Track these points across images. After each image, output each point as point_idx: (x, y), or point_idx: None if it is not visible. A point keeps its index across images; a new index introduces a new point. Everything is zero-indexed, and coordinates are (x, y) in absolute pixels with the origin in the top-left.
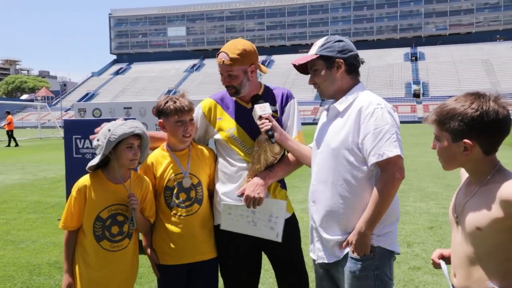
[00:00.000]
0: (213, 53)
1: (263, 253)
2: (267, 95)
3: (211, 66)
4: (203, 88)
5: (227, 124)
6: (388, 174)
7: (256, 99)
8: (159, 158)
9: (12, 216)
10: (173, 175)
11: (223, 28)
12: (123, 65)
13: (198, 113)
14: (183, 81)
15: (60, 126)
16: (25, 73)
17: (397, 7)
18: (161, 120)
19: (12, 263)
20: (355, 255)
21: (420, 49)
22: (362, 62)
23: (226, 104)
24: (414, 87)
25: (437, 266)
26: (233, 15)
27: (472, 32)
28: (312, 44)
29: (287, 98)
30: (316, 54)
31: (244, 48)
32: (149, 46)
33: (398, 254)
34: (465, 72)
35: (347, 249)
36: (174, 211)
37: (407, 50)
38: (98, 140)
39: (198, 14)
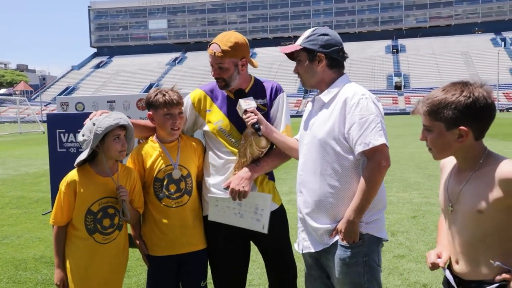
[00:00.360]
0: (195, 46)
1: (252, 243)
2: (256, 88)
3: (193, 59)
4: (186, 81)
5: (216, 116)
6: (374, 162)
7: (240, 94)
8: (149, 150)
9: None
10: (163, 166)
11: (204, 21)
12: (104, 58)
13: (187, 103)
14: (165, 74)
15: (40, 121)
16: (2, 67)
17: (378, 0)
18: (150, 112)
19: None
20: (344, 243)
21: (401, 41)
22: (347, 57)
23: (215, 95)
24: (395, 79)
25: (435, 268)
26: (215, 8)
27: (452, 24)
28: (294, 36)
29: (276, 91)
30: (300, 46)
31: (236, 41)
32: (130, 39)
33: (386, 241)
34: (445, 64)
35: (336, 237)
36: (164, 203)
37: (388, 42)
38: (83, 135)
39: (180, 6)
